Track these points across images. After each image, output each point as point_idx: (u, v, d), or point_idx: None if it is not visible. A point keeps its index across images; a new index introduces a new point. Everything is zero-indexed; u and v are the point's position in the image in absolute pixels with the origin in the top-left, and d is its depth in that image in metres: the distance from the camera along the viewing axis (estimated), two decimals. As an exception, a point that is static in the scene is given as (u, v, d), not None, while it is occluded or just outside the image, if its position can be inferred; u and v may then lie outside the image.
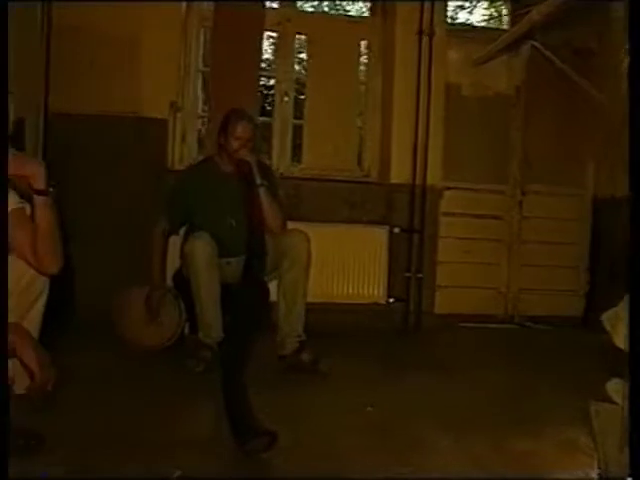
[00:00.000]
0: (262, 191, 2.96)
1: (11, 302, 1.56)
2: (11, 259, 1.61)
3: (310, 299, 3.72)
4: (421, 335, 4.05)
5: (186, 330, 3.22)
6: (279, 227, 3.01)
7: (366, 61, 4.44)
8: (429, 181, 4.09)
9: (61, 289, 1.85)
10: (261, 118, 4.38)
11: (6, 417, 1.43)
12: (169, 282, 3.20)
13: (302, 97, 4.57)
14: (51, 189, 1.66)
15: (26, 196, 1.70)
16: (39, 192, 1.64)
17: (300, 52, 5.02)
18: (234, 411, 1.91)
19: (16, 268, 1.65)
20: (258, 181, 2.95)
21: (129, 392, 2.50)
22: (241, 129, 2.95)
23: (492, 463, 1.95)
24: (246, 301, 2.52)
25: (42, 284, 1.77)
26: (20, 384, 1.58)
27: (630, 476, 1.27)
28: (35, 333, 1.72)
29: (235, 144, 2.95)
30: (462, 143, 4.24)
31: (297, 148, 4.42)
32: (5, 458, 1.29)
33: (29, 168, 1.63)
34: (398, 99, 4.11)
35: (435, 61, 4.05)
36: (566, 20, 3.87)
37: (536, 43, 4.11)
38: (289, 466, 1.89)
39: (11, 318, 1.52)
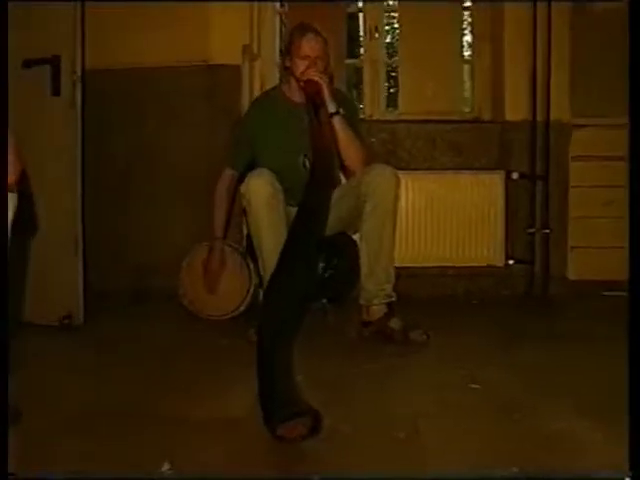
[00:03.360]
0: (337, 120, 2.40)
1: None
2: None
3: (408, 262, 3.15)
4: (549, 304, 3.30)
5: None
6: (359, 164, 2.44)
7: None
8: (554, 116, 3.33)
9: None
10: (348, 61, 3.80)
11: (6, 416, 1.35)
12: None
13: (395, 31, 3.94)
14: None
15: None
16: None
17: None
18: (266, 382, 1.37)
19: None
20: (332, 108, 2.39)
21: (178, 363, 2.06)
22: (307, 45, 2.41)
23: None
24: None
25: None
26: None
27: (630, 476, 1.19)
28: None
29: (301, 65, 2.42)
30: (593, 68, 3.42)
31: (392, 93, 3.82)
32: (5, 457, 1.24)
33: None
34: (511, 19, 3.38)
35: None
36: None
37: None
38: (345, 459, 1.32)
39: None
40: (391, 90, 3.79)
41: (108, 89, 3.40)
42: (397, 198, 2.36)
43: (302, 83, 2.42)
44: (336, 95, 2.48)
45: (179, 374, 1.97)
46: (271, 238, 2.30)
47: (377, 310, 2.36)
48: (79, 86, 2.47)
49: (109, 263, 3.39)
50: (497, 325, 2.72)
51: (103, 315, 2.73)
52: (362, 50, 3.80)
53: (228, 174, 2.66)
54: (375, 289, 2.35)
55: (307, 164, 2.48)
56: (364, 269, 2.37)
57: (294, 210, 2.34)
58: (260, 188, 2.28)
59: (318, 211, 2.19)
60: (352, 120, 2.50)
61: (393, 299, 2.36)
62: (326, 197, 2.28)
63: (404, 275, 2.70)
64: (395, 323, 2.32)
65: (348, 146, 2.42)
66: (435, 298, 3.22)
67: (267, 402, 1.34)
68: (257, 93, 3.48)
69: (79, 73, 2.48)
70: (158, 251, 3.34)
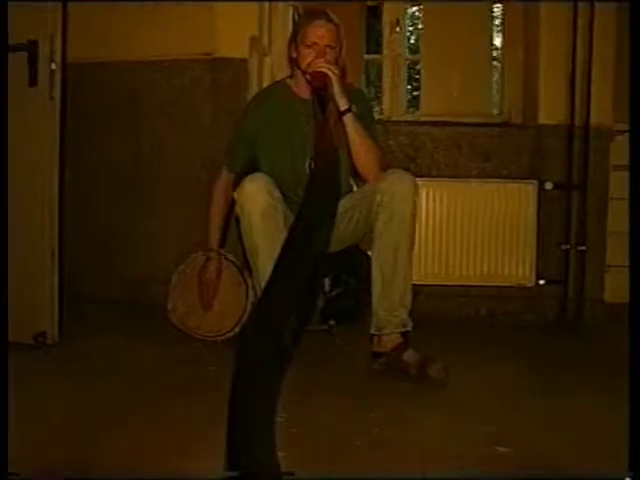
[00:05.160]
0: (348, 119, 2.09)
1: None
2: None
3: (427, 280, 2.83)
4: (585, 330, 2.95)
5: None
6: (373, 170, 2.12)
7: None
8: (594, 120, 2.98)
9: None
10: (367, 56, 3.49)
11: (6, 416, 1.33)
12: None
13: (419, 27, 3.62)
14: None
15: None
16: None
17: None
18: (235, 432, 1.05)
19: None
20: (342, 104, 2.08)
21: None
22: (315, 32, 2.11)
23: None
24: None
25: None
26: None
27: (630, 476, 1.15)
28: None
29: (308, 54, 2.11)
30: None
31: (414, 92, 3.50)
32: (5, 457, 1.22)
33: None
34: (547, 15, 3.04)
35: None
36: None
37: None
38: None
39: None
40: (413, 93, 3.45)
41: (100, 84, 3.15)
42: (415, 209, 2.04)
43: (308, 75, 2.11)
44: (349, 90, 2.17)
45: (149, 413, 1.67)
46: (267, 252, 1.99)
47: (390, 340, 2.03)
48: (58, 76, 2.19)
49: (99, 272, 3.13)
50: (526, 357, 2.37)
51: (84, 331, 2.45)
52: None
53: (224, 177, 2.37)
54: (388, 315, 2.03)
55: (313, 166, 2.18)
56: (376, 291, 2.05)
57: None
58: (256, 195, 1.97)
59: (318, 222, 1.87)
60: (367, 120, 2.19)
61: (408, 328, 2.04)
62: (328, 205, 1.97)
63: (422, 294, 2.39)
64: (410, 356, 2.00)
65: (361, 149, 2.10)
66: (456, 321, 2.90)
67: (231, 452, 1.02)
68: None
69: (59, 61, 2.19)
70: (153, 260, 3.08)
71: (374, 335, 2.07)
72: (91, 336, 2.41)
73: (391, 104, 3.32)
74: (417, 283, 2.28)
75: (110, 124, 3.16)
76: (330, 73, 2.05)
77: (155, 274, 3.04)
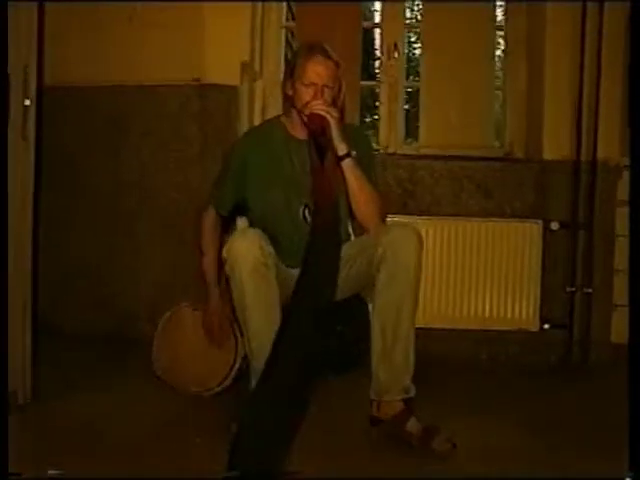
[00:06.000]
0: (347, 165, 1.94)
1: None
2: None
3: (423, 322, 2.66)
4: (590, 374, 2.81)
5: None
6: (374, 220, 1.97)
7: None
8: (600, 155, 2.85)
9: None
10: (364, 82, 3.33)
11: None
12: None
13: (417, 51, 3.46)
14: None
15: None
16: None
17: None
18: None
19: None
20: (341, 149, 1.93)
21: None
22: (313, 70, 1.95)
23: None
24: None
25: None
26: None
27: (630, 476, 1.18)
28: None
29: (305, 94, 1.95)
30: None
31: (412, 120, 3.35)
32: (5, 457, 1.27)
33: None
34: (552, 41, 2.90)
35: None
36: None
37: None
38: None
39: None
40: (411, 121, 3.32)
41: (82, 108, 2.99)
42: (420, 266, 1.88)
43: (305, 117, 1.95)
44: (348, 132, 2.02)
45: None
46: (258, 312, 1.83)
47: (390, 407, 1.88)
48: (32, 112, 2.01)
49: (80, 305, 2.98)
50: (534, 412, 2.23)
51: (59, 385, 2.26)
52: (374, 71, 3.34)
53: (212, 214, 2.23)
54: (389, 380, 1.87)
55: (308, 216, 2.02)
56: (376, 353, 1.89)
57: (294, 272, 1.89)
58: (246, 253, 1.80)
59: (325, 277, 1.76)
60: (367, 164, 2.04)
61: (411, 394, 1.88)
62: (334, 258, 1.83)
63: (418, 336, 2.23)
64: (413, 426, 1.84)
65: (361, 197, 1.95)
66: (453, 366, 2.74)
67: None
68: (257, 120, 3.04)
69: (33, 95, 2.01)
70: (135, 293, 2.93)
71: (373, 400, 1.92)
72: (67, 390, 2.23)
73: (388, 134, 3.16)
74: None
75: (92, 151, 3.01)
76: (328, 116, 1.89)
77: (137, 308, 2.91)
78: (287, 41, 3.32)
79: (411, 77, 3.40)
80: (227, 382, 2.24)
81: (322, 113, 1.89)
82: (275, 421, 1.61)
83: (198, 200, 2.58)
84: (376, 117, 3.24)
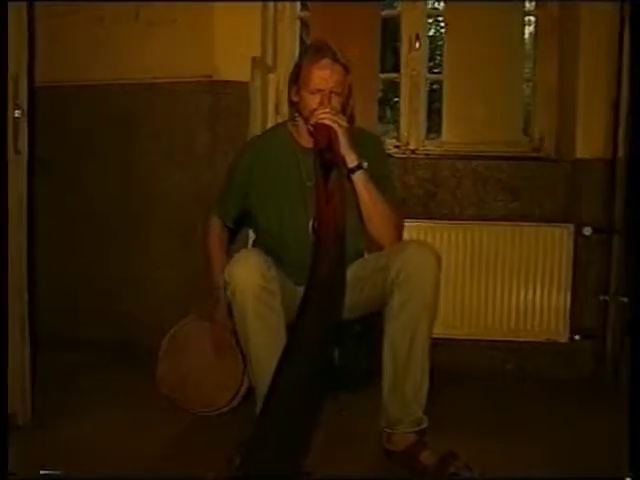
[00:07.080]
0: (358, 178, 1.79)
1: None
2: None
3: (445, 332, 2.54)
4: (622, 391, 2.63)
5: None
6: (386, 237, 1.83)
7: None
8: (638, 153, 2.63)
9: None
10: (383, 75, 3.15)
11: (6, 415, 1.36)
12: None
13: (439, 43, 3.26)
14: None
15: None
16: None
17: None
18: None
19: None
20: (351, 160, 1.78)
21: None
22: (319, 75, 1.80)
23: None
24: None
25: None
26: None
27: (630, 476, 1.18)
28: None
29: (311, 101, 1.81)
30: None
31: (434, 115, 3.16)
32: (5, 457, 1.28)
33: None
34: (587, 28, 2.69)
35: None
36: None
37: None
38: None
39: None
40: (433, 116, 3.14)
41: (89, 109, 2.88)
42: (437, 289, 1.73)
43: (310, 126, 1.81)
44: (360, 138, 1.87)
45: None
46: (261, 339, 1.71)
47: (403, 439, 1.75)
48: (24, 125, 1.90)
49: (85, 312, 2.91)
50: (563, 439, 2.07)
51: (59, 406, 2.18)
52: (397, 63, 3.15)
53: (216, 223, 2.12)
54: (400, 412, 1.74)
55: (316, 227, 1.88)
56: (387, 382, 1.76)
57: (301, 290, 1.76)
58: (247, 278, 1.68)
59: (330, 300, 1.62)
60: (381, 174, 1.89)
61: (423, 426, 1.75)
62: (339, 277, 1.69)
63: (439, 347, 2.09)
64: (427, 457, 1.71)
65: (374, 213, 1.81)
66: (476, 380, 2.59)
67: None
68: (270, 118, 2.90)
69: (25, 106, 1.90)
70: (142, 301, 2.83)
71: (385, 431, 1.79)
72: (68, 411, 2.15)
73: (409, 130, 2.99)
74: (434, 336, 1.97)
75: (99, 151, 2.91)
76: (336, 126, 1.74)
77: (145, 316, 2.81)
78: (301, 32, 3.16)
79: (434, 70, 3.20)
80: (235, 402, 2.14)
81: (329, 123, 1.74)
82: (281, 443, 1.49)
83: (208, 200, 2.46)
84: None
